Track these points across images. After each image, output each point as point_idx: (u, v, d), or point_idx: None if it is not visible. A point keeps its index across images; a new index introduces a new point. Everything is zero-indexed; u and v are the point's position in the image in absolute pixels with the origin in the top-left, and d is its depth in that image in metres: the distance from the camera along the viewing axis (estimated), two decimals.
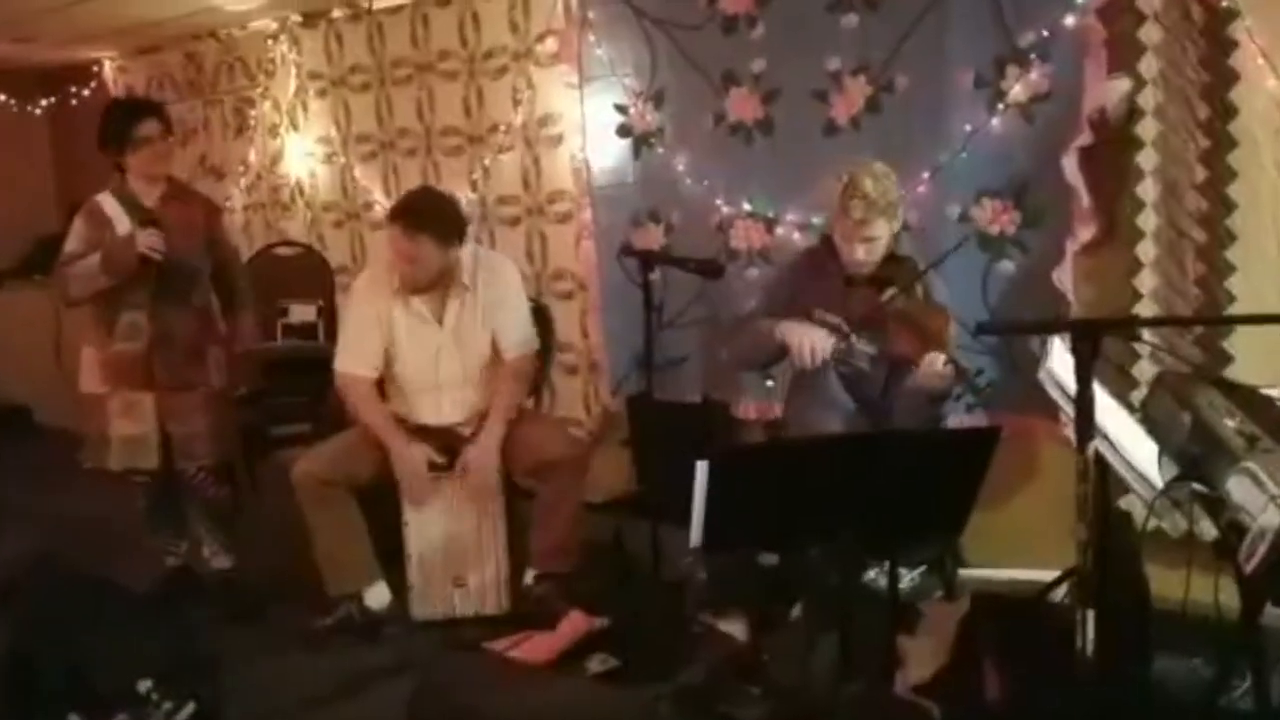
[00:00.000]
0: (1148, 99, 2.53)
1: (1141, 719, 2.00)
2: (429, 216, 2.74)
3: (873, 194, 2.36)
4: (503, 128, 3.84)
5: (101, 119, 2.86)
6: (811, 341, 2.37)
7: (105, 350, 2.85)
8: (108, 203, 2.84)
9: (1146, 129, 2.54)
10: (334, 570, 2.74)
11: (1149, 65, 2.52)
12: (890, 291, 2.34)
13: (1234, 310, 2.46)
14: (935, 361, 2.20)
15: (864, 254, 2.43)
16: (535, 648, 2.53)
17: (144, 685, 2.19)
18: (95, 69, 5.28)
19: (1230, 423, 1.84)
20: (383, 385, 2.90)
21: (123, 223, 2.80)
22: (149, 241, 2.72)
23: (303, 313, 4.19)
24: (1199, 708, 1.91)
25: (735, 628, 2.47)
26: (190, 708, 2.18)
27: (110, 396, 2.85)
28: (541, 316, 3.13)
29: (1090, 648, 1.58)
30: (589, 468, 2.81)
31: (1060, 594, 2.18)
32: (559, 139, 3.72)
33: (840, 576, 2.09)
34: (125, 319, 2.83)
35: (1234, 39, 2.39)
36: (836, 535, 1.90)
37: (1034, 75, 2.68)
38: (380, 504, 2.79)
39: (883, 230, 2.41)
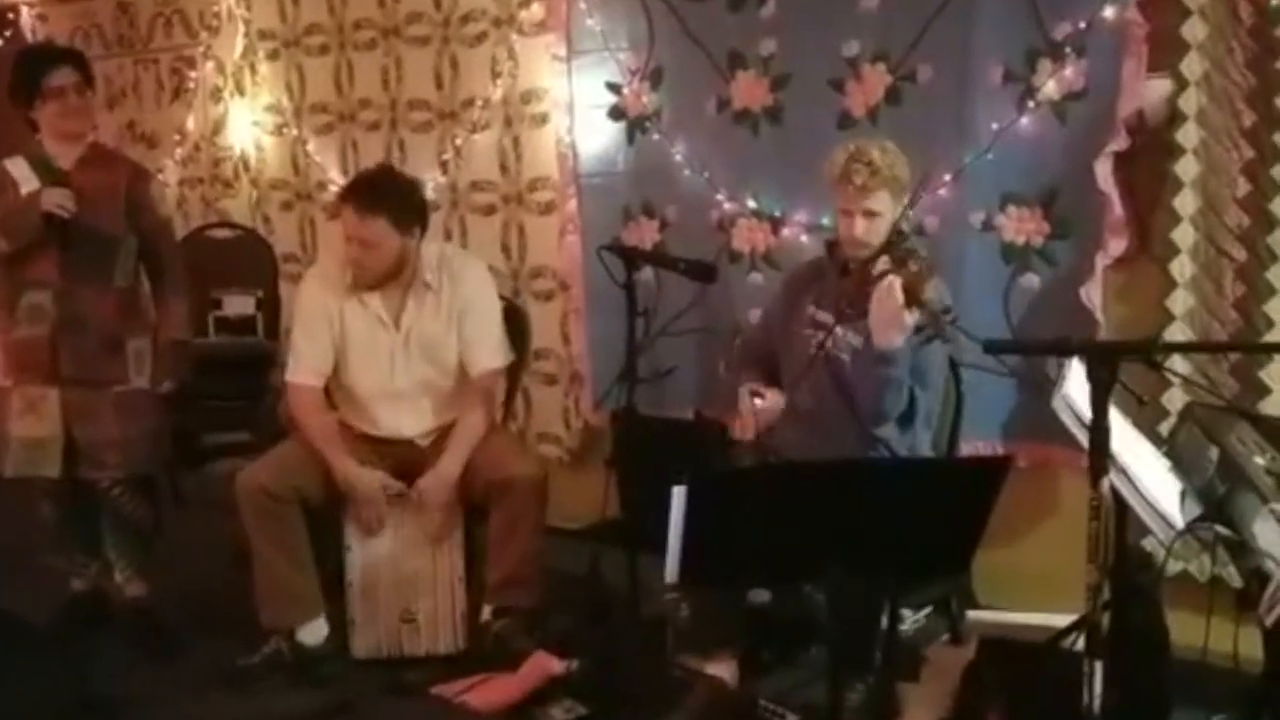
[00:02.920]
0: (1189, 102, 2.65)
1: None
2: (386, 196, 2.84)
3: (878, 162, 2.47)
4: (479, 103, 3.94)
5: (11, 68, 2.90)
6: (742, 420, 2.69)
7: (8, 336, 2.89)
8: (16, 165, 2.87)
9: (1187, 135, 2.66)
10: (272, 599, 2.80)
11: (1192, 65, 2.64)
12: (880, 261, 2.41)
13: (1274, 338, 2.57)
14: (888, 288, 2.31)
15: (863, 230, 2.51)
16: (491, 692, 2.61)
17: None
18: (10, 16, 5.29)
19: (1260, 460, 1.97)
20: (330, 393, 2.99)
21: (30, 184, 2.83)
22: (55, 199, 2.74)
23: (240, 305, 4.25)
24: None
25: (724, 670, 2.55)
26: None
27: (12, 391, 2.89)
28: (517, 319, 3.23)
29: (1097, 702, 1.68)
30: (547, 490, 2.88)
31: (1074, 640, 2.33)
32: (542, 119, 3.82)
33: (860, 617, 2.20)
34: (28, 299, 2.86)
35: None
36: (828, 571, 2.04)
37: (1068, 71, 2.81)
38: (318, 524, 2.86)
39: (885, 205, 2.50)
